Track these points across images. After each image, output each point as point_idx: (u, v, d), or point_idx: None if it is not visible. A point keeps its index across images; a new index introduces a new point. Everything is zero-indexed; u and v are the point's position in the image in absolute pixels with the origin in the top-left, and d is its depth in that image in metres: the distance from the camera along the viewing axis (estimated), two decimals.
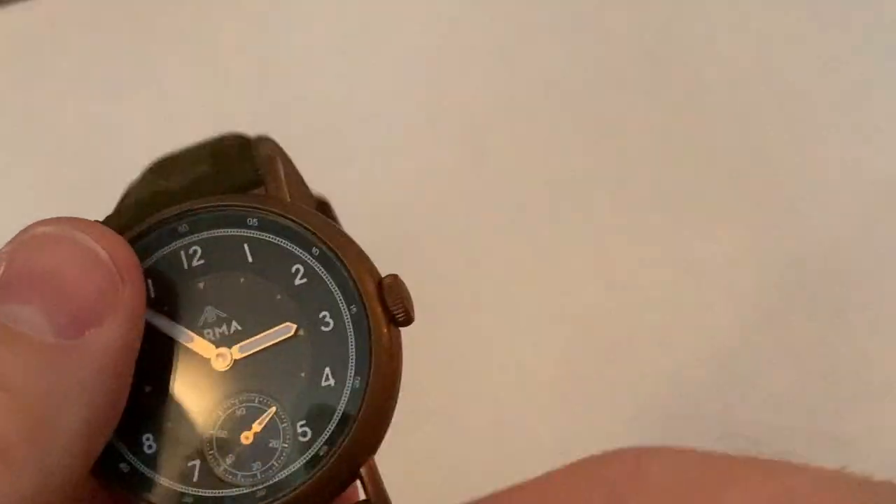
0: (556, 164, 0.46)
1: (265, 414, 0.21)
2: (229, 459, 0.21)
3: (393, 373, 0.21)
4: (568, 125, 0.47)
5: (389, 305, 0.21)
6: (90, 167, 0.47)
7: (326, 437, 0.20)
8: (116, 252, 0.20)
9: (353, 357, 0.21)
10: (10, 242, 0.20)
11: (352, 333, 0.21)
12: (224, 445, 0.21)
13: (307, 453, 0.20)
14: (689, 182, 0.45)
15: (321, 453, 0.20)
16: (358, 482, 0.21)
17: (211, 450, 0.21)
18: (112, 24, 0.52)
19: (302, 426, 0.21)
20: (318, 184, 0.26)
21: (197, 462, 0.21)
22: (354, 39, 0.50)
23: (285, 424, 0.21)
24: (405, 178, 0.46)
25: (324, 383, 0.21)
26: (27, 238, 0.20)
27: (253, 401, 0.21)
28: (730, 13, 0.49)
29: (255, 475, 0.21)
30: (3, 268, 0.20)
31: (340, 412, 0.21)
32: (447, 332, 0.42)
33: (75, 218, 0.21)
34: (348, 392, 0.21)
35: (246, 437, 0.21)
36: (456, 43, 0.49)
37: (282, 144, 0.25)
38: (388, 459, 0.21)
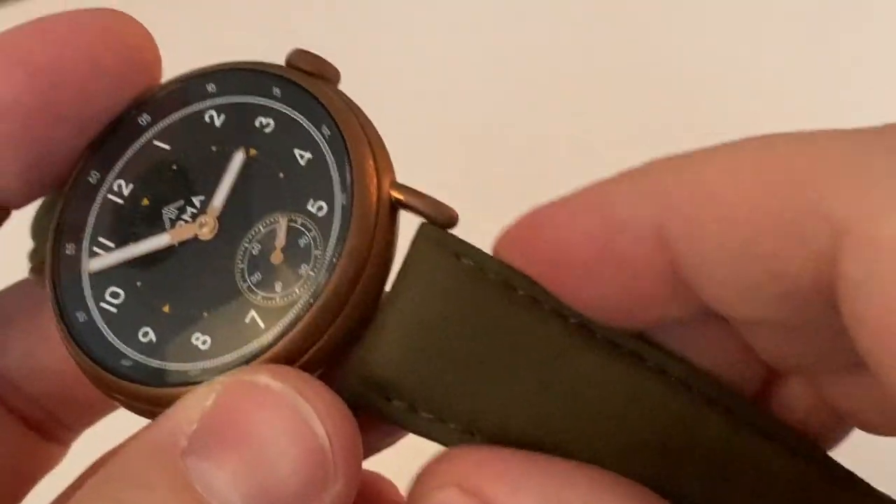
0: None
1: (288, 223, 0.20)
2: (278, 285, 0.19)
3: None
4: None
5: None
6: None
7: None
8: (339, 438, 0.17)
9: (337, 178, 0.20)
10: (225, 379, 0.18)
11: (333, 163, 0.20)
12: (264, 277, 0.19)
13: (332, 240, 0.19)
14: None
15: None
16: None
17: (252, 293, 0.19)
18: None
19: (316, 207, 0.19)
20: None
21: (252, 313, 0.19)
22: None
23: (304, 223, 0.20)
24: None
25: (311, 207, 0.20)
26: (245, 383, 0.17)
27: (258, 230, 0.20)
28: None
29: (304, 275, 0.19)
30: (212, 403, 0.17)
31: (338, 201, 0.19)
32: None
33: (305, 376, 0.18)
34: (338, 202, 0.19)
35: (276, 257, 0.19)
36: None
37: None
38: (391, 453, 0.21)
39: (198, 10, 0.52)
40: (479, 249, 0.19)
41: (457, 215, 0.20)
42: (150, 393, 0.19)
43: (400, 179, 0.20)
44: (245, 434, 0.17)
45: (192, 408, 0.17)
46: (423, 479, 0.18)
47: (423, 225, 0.20)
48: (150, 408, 0.19)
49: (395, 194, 0.20)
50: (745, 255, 0.16)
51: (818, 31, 0.48)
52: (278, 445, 0.16)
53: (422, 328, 0.19)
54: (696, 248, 0.17)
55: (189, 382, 0.19)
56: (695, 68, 0.48)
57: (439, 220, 0.20)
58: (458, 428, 0.18)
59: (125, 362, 0.20)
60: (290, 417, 0.17)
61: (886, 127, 0.15)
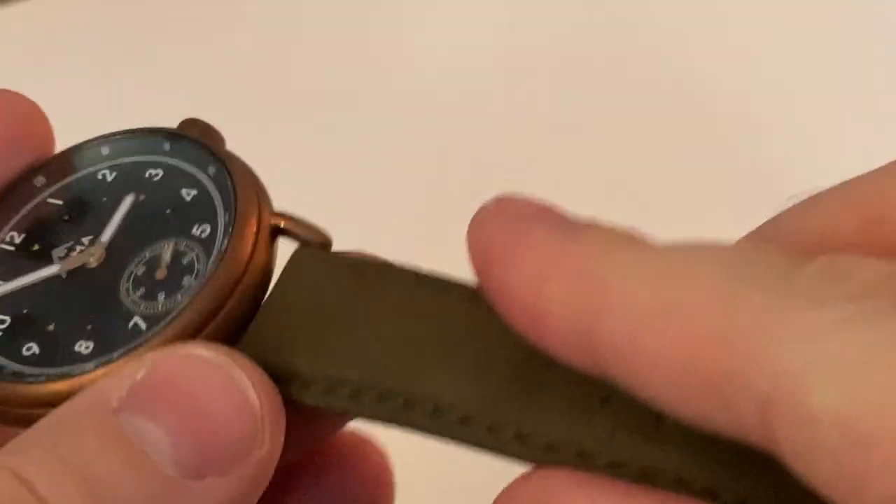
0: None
1: (171, 247, 0.21)
2: (161, 296, 0.21)
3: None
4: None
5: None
6: None
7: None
8: (269, 404, 0.18)
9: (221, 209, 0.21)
10: (156, 353, 0.19)
11: (218, 198, 0.22)
12: (147, 290, 0.21)
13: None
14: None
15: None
16: None
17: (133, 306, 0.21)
18: (113, 23, 0.52)
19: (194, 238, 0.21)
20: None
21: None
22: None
23: (189, 244, 0.21)
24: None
25: (195, 232, 0.21)
26: (181, 353, 0.18)
27: (145, 256, 0.21)
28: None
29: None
30: (144, 371, 0.18)
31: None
32: None
33: (235, 352, 0.19)
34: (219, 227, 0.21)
35: (161, 273, 0.21)
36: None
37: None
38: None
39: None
40: (342, 254, 0.21)
41: (331, 239, 0.22)
42: (29, 391, 0.20)
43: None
44: (181, 393, 0.18)
45: (122, 377, 0.18)
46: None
47: (298, 247, 0.22)
48: (28, 410, 0.20)
49: (274, 221, 0.22)
50: (677, 401, 0.15)
51: (820, 29, 0.48)
52: (213, 404, 0.17)
53: (286, 312, 0.21)
54: (631, 371, 0.16)
55: (72, 375, 0.20)
56: (696, 68, 0.48)
57: (315, 242, 0.21)
58: (326, 385, 0.20)
59: (6, 370, 0.21)
60: (225, 382, 0.18)
61: (795, 267, 0.15)
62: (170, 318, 0.20)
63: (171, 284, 0.21)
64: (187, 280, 0.21)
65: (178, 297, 0.20)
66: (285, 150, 0.47)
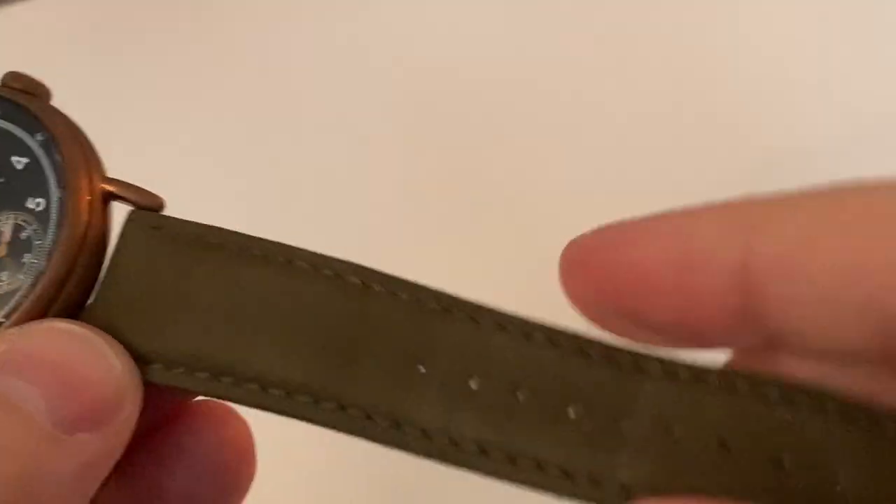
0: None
1: (9, 222, 0.22)
2: (4, 275, 0.21)
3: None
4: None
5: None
6: None
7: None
8: (128, 369, 0.20)
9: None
10: (20, 327, 0.20)
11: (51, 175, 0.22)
12: None
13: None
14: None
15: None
16: None
17: None
18: (114, 23, 0.52)
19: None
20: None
21: None
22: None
23: (25, 219, 0.22)
24: None
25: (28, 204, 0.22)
26: (41, 327, 0.20)
27: None
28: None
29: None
30: (6, 345, 0.19)
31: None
32: None
33: (97, 329, 0.20)
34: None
35: (1, 251, 0.22)
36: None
37: None
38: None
39: None
40: (177, 219, 0.22)
41: (163, 201, 0.22)
42: None
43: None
44: (52, 357, 0.19)
45: None
46: None
47: (131, 211, 0.22)
48: None
49: (106, 186, 0.22)
50: (850, 304, 0.16)
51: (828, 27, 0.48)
52: (81, 367, 0.19)
53: (125, 285, 0.21)
54: (789, 291, 0.17)
55: None
56: (699, 67, 0.48)
57: (147, 205, 0.22)
58: (163, 364, 0.21)
59: None
60: (92, 349, 0.20)
61: None
62: (15, 301, 0.21)
63: (13, 263, 0.21)
64: (27, 258, 0.21)
65: (20, 276, 0.21)
66: (286, 151, 0.47)
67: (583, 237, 0.20)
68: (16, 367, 0.19)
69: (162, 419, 0.25)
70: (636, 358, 0.19)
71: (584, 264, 0.19)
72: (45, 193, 0.22)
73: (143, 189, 0.22)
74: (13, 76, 0.24)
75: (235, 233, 0.21)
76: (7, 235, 0.22)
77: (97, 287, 0.22)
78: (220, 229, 0.22)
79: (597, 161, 0.46)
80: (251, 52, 0.50)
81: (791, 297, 0.17)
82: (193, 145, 0.48)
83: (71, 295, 0.21)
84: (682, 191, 0.45)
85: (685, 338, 0.19)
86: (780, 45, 0.48)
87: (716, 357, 0.19)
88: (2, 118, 0.23)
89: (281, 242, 0.21)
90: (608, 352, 0.19)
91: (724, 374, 0.19)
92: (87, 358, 0.20)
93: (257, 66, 0.50)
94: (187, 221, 0.22)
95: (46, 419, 0.19)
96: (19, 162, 0.22)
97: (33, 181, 0.22)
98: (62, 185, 0.22)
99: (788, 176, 0.45)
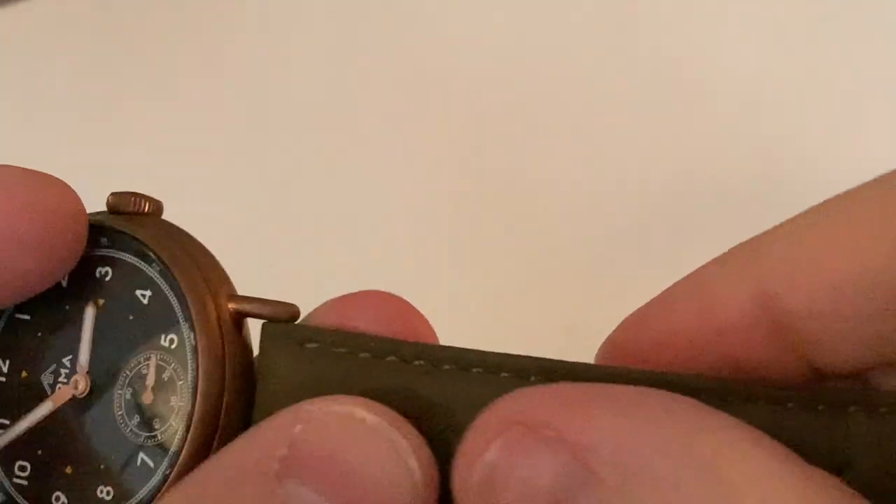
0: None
1: (149, 364, 0.21)
2: (156, 423, 0.21)
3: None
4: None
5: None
6: (91, 166, 0.47)
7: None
8: (427, 470, 0.17)
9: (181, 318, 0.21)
10: (313, 406, 0.18)
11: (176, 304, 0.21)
12: (141, 418, 0.21)
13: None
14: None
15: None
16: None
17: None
18: (113, 23, 0.52)
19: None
20: None
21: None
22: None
23: (163, 357, 0.21)
24: None
25: (163, 342, 0.21)
26: (338, 414, 0.17)
27: (126, 376, 0.22)
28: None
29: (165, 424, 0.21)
30: (300, 429, 0.17)
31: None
32: None
33: (395, 414, 0.18)
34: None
35: (147, 397, 0.21)
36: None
37: None
38: None
39: None
40: (320, 329, 0.21)
41: (297, 310, 0.21)
42: None
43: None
44: (342, 462, 0.17)
45: (279, 430, 0.17)
46: (481, 425, 0.17)
47: (265, 325, 0.21)
48: None
49: (234, 306, 0.21)
50: (864, 316, 0.17)
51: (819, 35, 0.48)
52: (375, 476, 0.16)
53: (278, 400, 0.20)
54: (806, 314, 0.17)
55: None
56: (698, 71, 0.48)
57: (282, 317, 0.21)
58: None
59: None
60: (387, 449, 0.17)
61: None
62: (172, 454, 0.21)
63: (162, 408, 0.21)
64: (174, 400, 0.21)
65: (172, 423, 0.21)
66: (286, 151, 0.47)
67: (616, 330, 0.20)
68: (300, 468, 0.17)
69: None
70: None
71: (624, 349, 0.20)
72: (175, 326, 0.21)
73: (272, 301, 0.21)
74: (118, 198, 0.22)
75: (373, 337, 0.20)
76: (151, 379, 0.21)
77: (257, 402, 0.21)
78: (356, 336, 0.20)
79: (597, 160, 0.46)
80: (251, 52, 0.50)
81: (809, 314, 0.17)
82: (193, 145, 0.48)
83: (231, 422, 0.21)
84: (690, 191, 0.45)
85: (740, 370, 0.19)
86: (782, 48, 0.48)
87: None
88: (118, 249, 0.22)
89: (426, 344, 0.20)
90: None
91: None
92: (384, 461, 0.17)
93: (257, 66, 0.50)
94: (323, 329, 0.21)
95: None
96: (144, 296, 0.22)
97: (161, 314, 0.21)
98: (187, 315, 0.21)
99: (789, 170, 0.45)
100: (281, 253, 0.43)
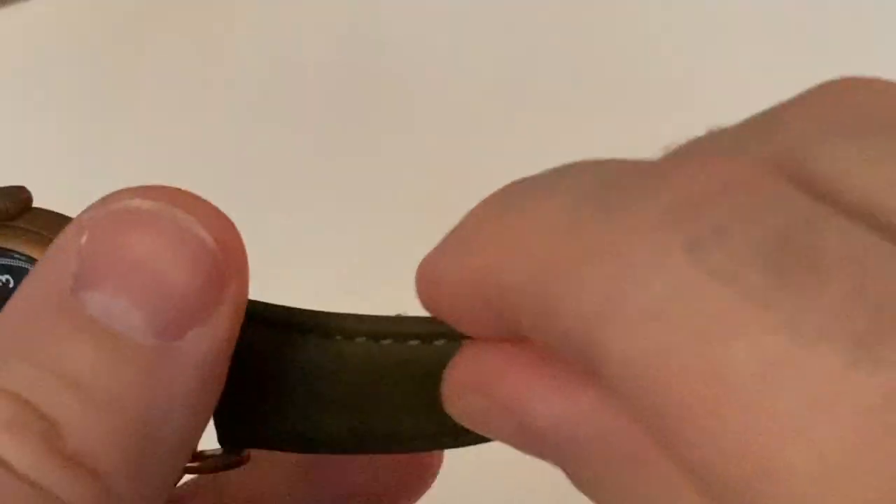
0: None
1: None
2: None
3: None
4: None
5: None
6: (91, 166, 0.47)
7: None
8: (225, 236, 0.17)
9: None
10: (92, 213, 0.17)
11: None
12: None
13: None
14: None
15: None
16: None
17: None
18: (113, 23, 0.52)
19: None
20: None
21: None
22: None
23: None
24: None
25: None
26: (115, 212, 0.17)
27: None
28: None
29: None
30: (82, 250, 0.16)
31: None
32: None
33: (174, 190, 0.17)
34: None
35: None
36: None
37: None
38: None
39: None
40: (264, 304, 0.19)
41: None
42: None
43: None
44: (131, 256, 0.16)
45: (66, 247, 0.16)
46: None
47: None
48: None
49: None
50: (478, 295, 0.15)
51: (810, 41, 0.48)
52: (166, 258, 0.16)
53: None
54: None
55: None
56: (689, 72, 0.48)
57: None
58: None
59: None
60: (171, 229, 0.16)
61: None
62: None
63: None
64: None
65: None
66: (286, 151, 0.47)
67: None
68: (92, 277, 0.16)
69: None
70: None
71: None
72: None
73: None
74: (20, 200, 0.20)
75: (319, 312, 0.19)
76: None
77: None
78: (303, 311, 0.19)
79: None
80: (251, 52, 0.50)
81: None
82: (194, 145, 0.48)
83: None
84: None
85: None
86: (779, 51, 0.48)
87: None
88: (7, 257, 0.20)
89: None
90: None
91: None
92: (176, 242, 0.16)
93: (258, 65, 0.50)
94: (273, 305, 0.19)
95: (148, 333, 0.16)
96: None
97: None
98: None
99: None
100: (281, 253, 0.43)
